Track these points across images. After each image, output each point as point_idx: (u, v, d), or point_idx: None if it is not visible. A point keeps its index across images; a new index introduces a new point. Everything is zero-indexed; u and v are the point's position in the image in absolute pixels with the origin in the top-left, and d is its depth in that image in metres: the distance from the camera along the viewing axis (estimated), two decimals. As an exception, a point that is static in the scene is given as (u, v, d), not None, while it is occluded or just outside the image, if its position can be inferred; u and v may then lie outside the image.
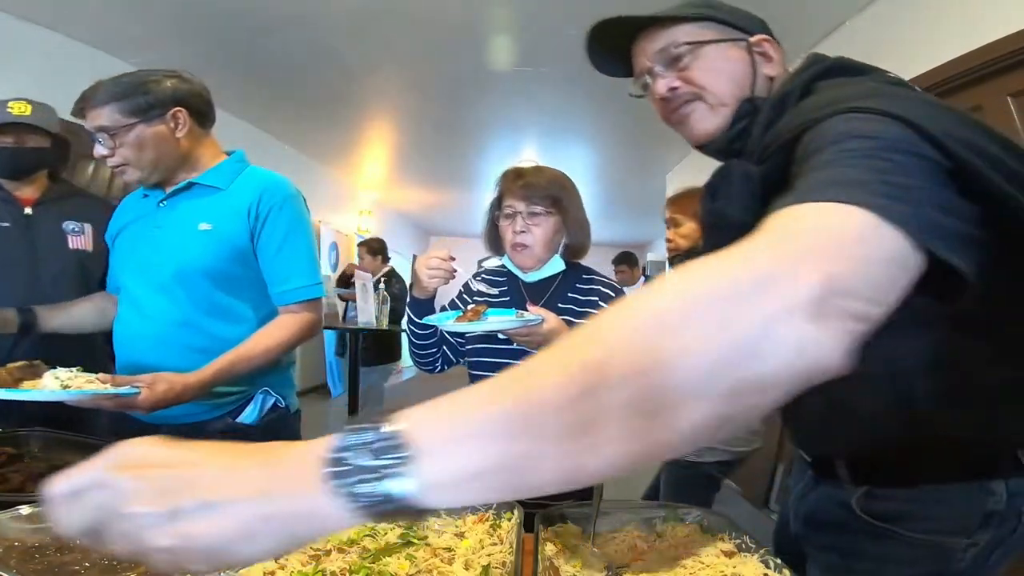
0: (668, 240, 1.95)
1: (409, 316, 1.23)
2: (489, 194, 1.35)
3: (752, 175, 0.63)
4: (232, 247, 1.15)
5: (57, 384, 0.97)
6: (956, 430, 0.62)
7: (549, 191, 1.21)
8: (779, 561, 0.68)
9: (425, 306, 1.19)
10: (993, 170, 0.46)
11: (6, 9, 2.76)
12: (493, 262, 1.22)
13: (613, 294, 1.23)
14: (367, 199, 7.29)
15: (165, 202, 1.20)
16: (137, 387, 0.97)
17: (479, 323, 1.02)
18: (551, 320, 1.04)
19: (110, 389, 0.96)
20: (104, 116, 1.10)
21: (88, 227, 1.54)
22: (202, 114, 1.21)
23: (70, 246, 1.50)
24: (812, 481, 0.79)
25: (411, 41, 3.09)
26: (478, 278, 1.35)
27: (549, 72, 3.32)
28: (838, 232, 0.38)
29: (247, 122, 4.44)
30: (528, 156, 5.26)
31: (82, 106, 1.12)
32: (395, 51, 3.22)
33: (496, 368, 1.19)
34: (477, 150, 5.31)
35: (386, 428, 0.31)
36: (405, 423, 0.31)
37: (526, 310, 1.07)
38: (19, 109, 1.45)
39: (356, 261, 6.82)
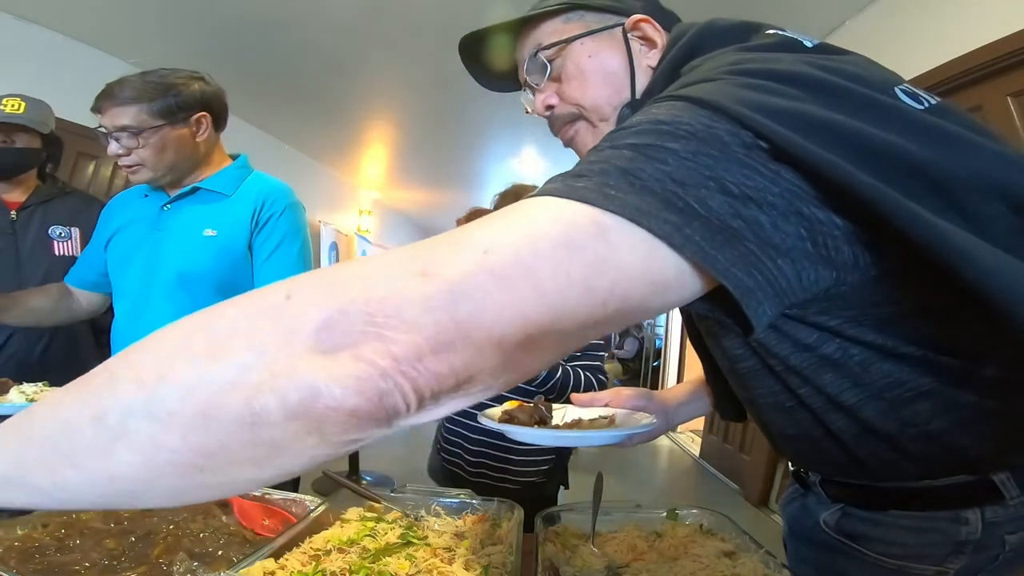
0: None
1: None
2: (490, 197, 1.42)
3: None
4: (235, 253, 1.16)
5: (23, 398, 0.95)
6: (925, 459, 0.55)
7: None
8: (779, 561, 0.68)
9: None
10: (853, 155, 0.35)
11: (6, 9, 2.76)
12: None
13: None
14: (367, 199, 7.29)
15: (169, 206, 1.20)
16: None
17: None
18: None
19: None
20: (129, 115, 1.08)
21: (76, 231, 1.51)
22: (220, 118, 1.22)
23: (55, 252, 1.47)
24: (799, 489, 0.75)
25: (411, 41, 3.08)
26: None
27: (549, 72, 3.31)
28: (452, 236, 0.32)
29: (246, 122, 4.44)
30: (528, 156, 5.26)
31: (103, 102, 1.09)
32: (395, 51, 3.22)
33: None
34: (477, 150, 5.30)
35: None
36: None
37: None
38: (12, 106, 1.41)
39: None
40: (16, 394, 0.98)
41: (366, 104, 4.24)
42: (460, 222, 2.20)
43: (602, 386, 1.34)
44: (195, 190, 1.20)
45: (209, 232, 1.15)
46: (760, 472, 3.29)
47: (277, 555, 0.64)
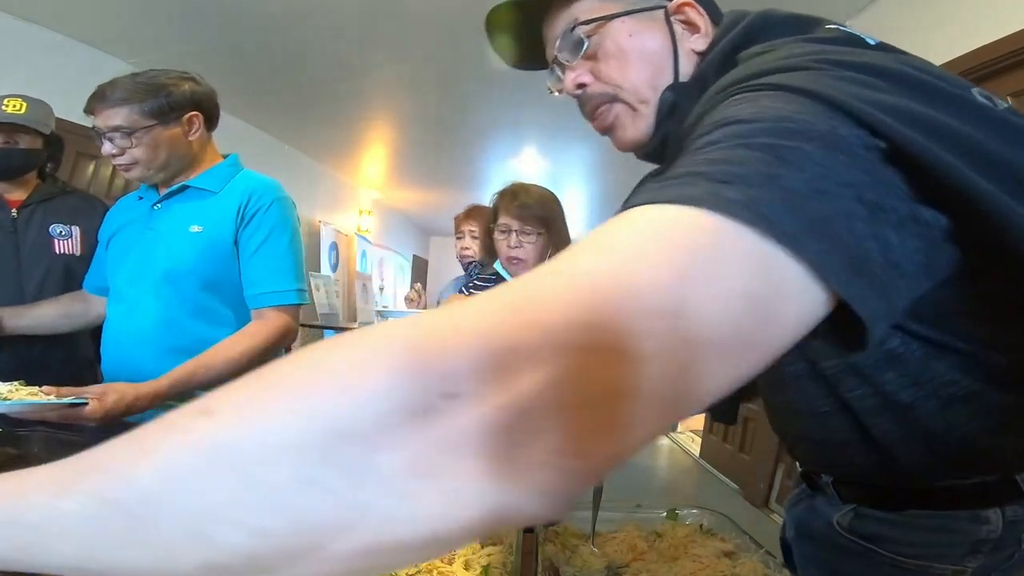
0: (466, 249, 2.12)
1: None
2: (490, 197, 1.45)
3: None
4: (221, 249, 1.16)
5: None
6: (957, 459, 0.54)
7: (540, 212, 1.36)
8: (779, 561, 0.68)
9: None
10: (959, 154, 0.34)
11: (6, 9, 2.76)
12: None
13: None
14: (367, 199, 7.29)
15: (159, 205, 1.20)
16: (84, 398, 0.92)
17: None
18: None
19: (52, 399, 0.91)
20: (121, 116, 1.09)
21: (76, 229, 1.51)
22: (212, 118, 1.23)
23: (56, 250, 1.47)
24: (807, 490, 0.74)
25: (411, 41, 3.08)
26: (471, 286, 1.50)
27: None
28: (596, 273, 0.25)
29: (246, 122, 4.44)
30: (528, 156, 5.25)
31: (95, 104, 1.10)
32: (395, 51, 3.22)
33: None
34: (477, 150, 5.30)
35: None
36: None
37: None
38: (14, 107, 1.41)
39: (358, 262, 6.82)
40: None
41: (366, 104, 4.24)
42: (459, 219, 2.23)
43: None
44: (183, 188, 1.20)
45: (195, 228, 1.15)
46: (760, 472, 3.29)
47: (277, 555, 0.64)
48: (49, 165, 1.58)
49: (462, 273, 2.35)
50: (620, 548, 0.75)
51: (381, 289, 7.87)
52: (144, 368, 1.07)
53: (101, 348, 1.22)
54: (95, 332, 1.61)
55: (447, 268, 9.46)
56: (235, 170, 1.26)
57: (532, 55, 0.68)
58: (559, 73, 0.64)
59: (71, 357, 1.53)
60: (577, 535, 0.79)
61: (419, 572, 0.64)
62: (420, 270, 10.17)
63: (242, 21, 2.89)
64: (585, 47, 0.60)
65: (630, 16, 0.59)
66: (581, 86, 0.61)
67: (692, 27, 0.59)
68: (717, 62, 0.54)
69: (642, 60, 0.59)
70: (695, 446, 4.53)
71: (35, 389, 0.94)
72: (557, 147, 5.06)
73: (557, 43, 0.61)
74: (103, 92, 1.10)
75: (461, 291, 1.51)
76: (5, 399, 0.91)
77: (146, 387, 1.00)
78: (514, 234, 1.35)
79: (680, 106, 0.57)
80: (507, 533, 0.75)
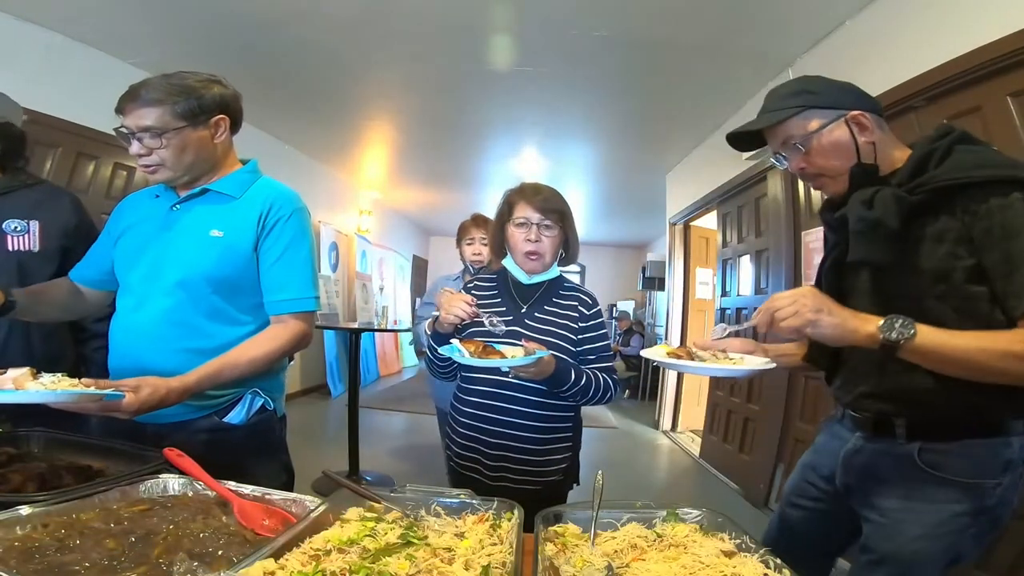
0: (477, 254, 2.27)
1: (430, 343, 1.37)
2: (490, 197, 1.43)
3: (904, 200, 0.86)
4: (240, 255, 1.17)
5: (41, 387, 0.92)
6: (991, 400, 0.86)
7: (558, 206, 1.38)
8: (779, 561, 0.68)
9: (444, 338, 1.32)
10: None
11: (6, 9, 2.76)
12: (501, 328, 1.28)
13: (590, 301, 1.42)
14: (367, 199, 7.29)
15: (178, 206, 1.21)
16: (121, 391, 0.94)
17: (498, 361, 1.13)
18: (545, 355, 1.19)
19: (95, 391, 0.92)
20: (153, 116, 1.10)
21: (35, 224, 1.46)
22: (236, 121, 1.24)
23: (9, 247, 1.43)
24: (861, 440, 1.01)
25: (411, 41, 3.09)
26: (472, 284, 1.51)
27: (549, 72, 3.31)
28: None
29: (246, 121, 4.43)
30: (528, 156, 5.26)
31: (126, 103, 1.10)
32: (395, 51, 3.22)
33: (486, 383, 1.36)
34: (477, 150, 5.30)
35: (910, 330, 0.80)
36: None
37: (519, 338, 1.23)
38: None
39: (358, 262, 6.82)
40: (35, 383, 0.93)
41: (366, 104, 4.24)
42: (467, 226, 2.27)
43: (615, 385, 1.36)
44: (204, 191, 1.21)
45: (216, 233, 1.17)
46: (760, 472, 3.29)
47: (277, 555, 0.64)
48: (21, 161, 1.53)
49: (454, 273, 2.40)
50: (620, 548, 0.75)
51: (381, 289, 7.87)
52: (152, 365, 1.08)
53: (110, 342, 1.22)
54: (81, 336, 1.60)
55: (447, 268, 9.45)
56: (255, 176, 1.27)
57: (750, 143, 1.08)
58: (784, 160, 1.02)
59: (27, 353, 1.48)
60: (577, 535, 0.79)
61: (419, 572, 0.64)
62: (420, 270, 10.17)
63: (242, 21, 2.90)
64: (802, 148, 0.97)
65: (826, 128, 0.95)
66: (801, 170, 1.00)
67: (863, 127, 0.94)
68: (943, 149, 0.88)
69: (837, 151, 0.95)
70: (695, 446, 4.53)
71: (75, 381, 0.95)
72: (557, 147, 5.06)
73: (780, 146, 1.00)
74: (136, 92, 1.10)
75: (466, 289, 1.50)
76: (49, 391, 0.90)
77: (176, 382, 1.03)
78: (534, 227, 1.36)
79: (868, 173, 0.94)
80: (507, 533, 0.75)
